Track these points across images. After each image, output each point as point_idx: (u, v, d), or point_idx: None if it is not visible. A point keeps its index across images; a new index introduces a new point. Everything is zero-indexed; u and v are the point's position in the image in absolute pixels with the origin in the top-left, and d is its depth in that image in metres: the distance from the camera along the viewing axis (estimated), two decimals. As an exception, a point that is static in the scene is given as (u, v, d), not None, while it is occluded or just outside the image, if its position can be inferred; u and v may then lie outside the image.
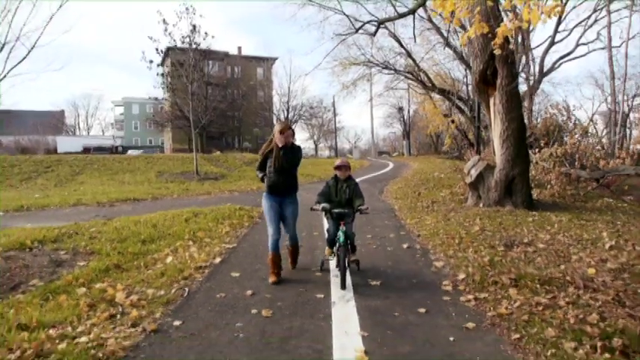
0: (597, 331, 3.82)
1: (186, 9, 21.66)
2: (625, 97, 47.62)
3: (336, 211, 5.53)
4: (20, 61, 7.01)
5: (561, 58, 32.14)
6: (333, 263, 5.80)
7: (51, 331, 3.89)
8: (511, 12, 7.19)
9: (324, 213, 5.69)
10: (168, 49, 53.27)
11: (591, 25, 30.36)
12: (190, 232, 8.32)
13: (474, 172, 11.70)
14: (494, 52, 7.78)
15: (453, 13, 7.07)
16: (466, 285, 5.31)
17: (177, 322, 4.22)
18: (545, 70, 31.20)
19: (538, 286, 5.10)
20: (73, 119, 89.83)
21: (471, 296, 4.91)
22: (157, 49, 21.68)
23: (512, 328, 4.04)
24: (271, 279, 5.41)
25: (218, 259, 6.53)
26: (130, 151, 59.61)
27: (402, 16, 13.39)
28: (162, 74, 23.18)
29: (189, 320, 4.29)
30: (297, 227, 5.91)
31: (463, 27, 11.04)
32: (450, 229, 8.53)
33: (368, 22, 15.79)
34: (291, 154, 5.54)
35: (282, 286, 5.34)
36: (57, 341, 3.70)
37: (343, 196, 5.71)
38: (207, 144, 51.76)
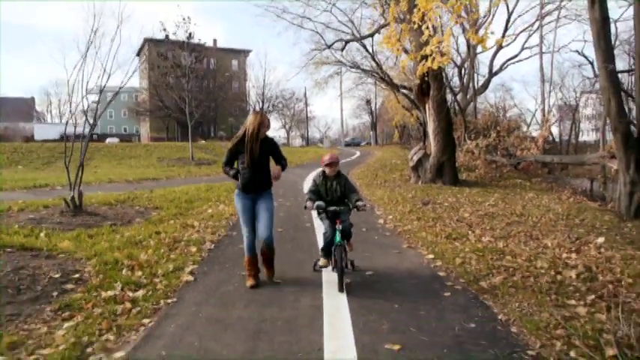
0: (445, 234, 7.80)
1: (183, 19, 25.07)
2: (574, 94, 52.39)
3: (330, 209, 5.20)
4: (109, 102, 10.31)
5: (508, 60, 36.52)
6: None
7: (174, 234, 7.62)
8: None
9: (317, 212, 5.41)
10: (146, 40, 55.75)
11: (535, 31, 34.78)
12: (214, 198, 12.06)
13: (415, 158, 15.76)
14: (415, 81, 11.77)
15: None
16: (392, 221, 9.26)
17: (234, 233, 7.99)
18: (494, 70, 35.56)
19: (430, 219, 9.10)
20: (45, 106, 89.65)
21: (392, 224, 8.88)
22: (159, 53, 24.98)
23: (408, 234, 7.97)
24: (249, 282, 5.11)
25: (241, 211, 10.29)
26: (107, 140, 62.00)
27: (363, 37, 17.25)
28: (166, 74, 26.65)
29: (238, 233, 8.03)
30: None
31: (406, 51, 14.80)
32: (392, 196, 12.52)
33: (337, 41, 19.71)
34: (267, 148, 5.17)
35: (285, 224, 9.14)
36: (181, 235, 7.45)
37: (335, 195, 5.39)
38: (184, 133, 54.79)
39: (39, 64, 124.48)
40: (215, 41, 69.53)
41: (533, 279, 5.34)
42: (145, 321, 4.13)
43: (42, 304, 4.45)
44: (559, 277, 5.43)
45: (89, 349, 3.56)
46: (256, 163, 5.05)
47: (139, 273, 5.46)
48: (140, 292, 4.80)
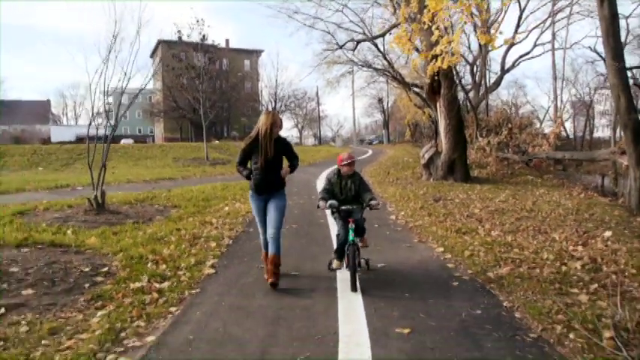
0: (455, 228, 8.03)
1: (197, 21, 25.52)
2: (588, 90, 51.86)
3: (343, 208, 5.19)
4: (130, 104, 10.83)
5: (520, 57, 36.35)
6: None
7: (194, 231, 7.94)
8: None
9: (330, 211, 5.41)
10: (159, 42, 56.36)
11: (548, 27, 34.63)
12: (230, 196, 12.39)
13: (426, 156, 15.97)
14: (426, 80, 11.99)
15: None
16: (403, 217, 9.50)
17: (251, 229, 8.28)
18: (506, 67, 35.47)
19: (441, 215, 9.33)
20: (60, 108, 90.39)
21: (404, 220, 9.12)
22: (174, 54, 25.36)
23: (419, 229, 8.21)
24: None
25: (257, 208, 10.62)
26: (122, 141, 62.73)
27: (374, 37, 17.51)
28: (180, 75, 27.17)
29: (255, 229, 8.33)
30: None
31: (417, 49, 15.05)
32: (404, 193, 12.76)
33: (348, 41, 20.00)
34: (280, 148, 5.17)
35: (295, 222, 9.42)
36: (200, 232, 7.78)
37: (349, 194, 5.40)
38: (198, 133, 55.15)
39: (55, 66, 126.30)
40: (227, 41, 69.96)
41: (539, 270, 5.57)
42: (172, 309, 4.45)
43: (75, 295, 4.79)
44: (564, 268, 5.65)
45: (122, 334, 3.87)
46: (269, 164, 5.05)
47: (163, 266, 5.78)
48: (166, 284, 5.12)
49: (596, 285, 4.95)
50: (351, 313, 4.27)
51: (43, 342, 3.69)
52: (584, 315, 4.05)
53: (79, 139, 57.05)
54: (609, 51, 11.56)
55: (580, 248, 6.68)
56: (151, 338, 3.80)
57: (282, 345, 3.64)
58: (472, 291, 4.90)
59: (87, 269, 5.59)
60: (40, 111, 76.82)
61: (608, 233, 7.83)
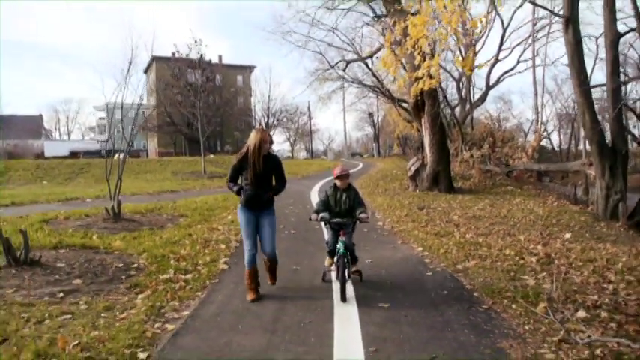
0: (434, 232, 9.12)
1: (195, 41, 26.68)
2: (572, 103, 53.18)
3: (334, 221, 5.43)
4: (144, 121, 11.98)
5: (504, 73, 37.83)
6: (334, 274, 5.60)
7: (204, 236, 8.97)
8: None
9: (323, 223, 5.65)
10: (153, 58, 57.48)
11: (530, 44, 36.19)
12: (232, 206, 13.41)
13: (413, 169, 17.14)
14: (410, 100, 13.16)
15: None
16: (390, 223, 10.59)
17: (254, 234, 9.34)
18: (491, 83, 36.91)
19: (423, 221, 10.43)
20: (53, 123, 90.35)
21: (390, 226, 10.21)
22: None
23: (403, 233, 9.30)
24: (249, 296, 5.19)
25: (257, 217, 11.67)
26: (117, 155, 63.18)
27: (364, 58, 18.80)
28: (179, 93, 28.19)
29: (258, 234, 9.41)
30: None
31: (404, 67, 16.23)
32: (391, 203, 13.87)
33: (340, 61, 21.31)
34: (271, 165, 5.29)
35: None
36: (210, 236, 8.81)
37: (343, 207, 5.61)
38: (192, 148, 56.05)
39: (47, 81, 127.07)
40: (220, 57, 71.24)
41: (500, 263, 6.69)
42: (198, 293, 5.49)
43: (116, 284, 5.80)
44: (522, 261, 6.77)
45: (162, 310, 4.89)
46: (259, 180, 5.18)
47: (184, 263, 6.82)
48: (189, 275, 6.16)
49: (544, 273, 6.05)
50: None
51: (102, 315, 4.70)
52: (527, 293, 5.14)
53: (73, 154, 57.60)
54: (574, 72, 12.84)
55: (540, 247, 7.80)
56: (186, 312, 4.83)
57: (290, 315, 4.69)
58: (442, 278, 5.99)
59: (120, 265, 6.62)
60: (33, 126, 76.82)
61: (567, 235, 8.99)
